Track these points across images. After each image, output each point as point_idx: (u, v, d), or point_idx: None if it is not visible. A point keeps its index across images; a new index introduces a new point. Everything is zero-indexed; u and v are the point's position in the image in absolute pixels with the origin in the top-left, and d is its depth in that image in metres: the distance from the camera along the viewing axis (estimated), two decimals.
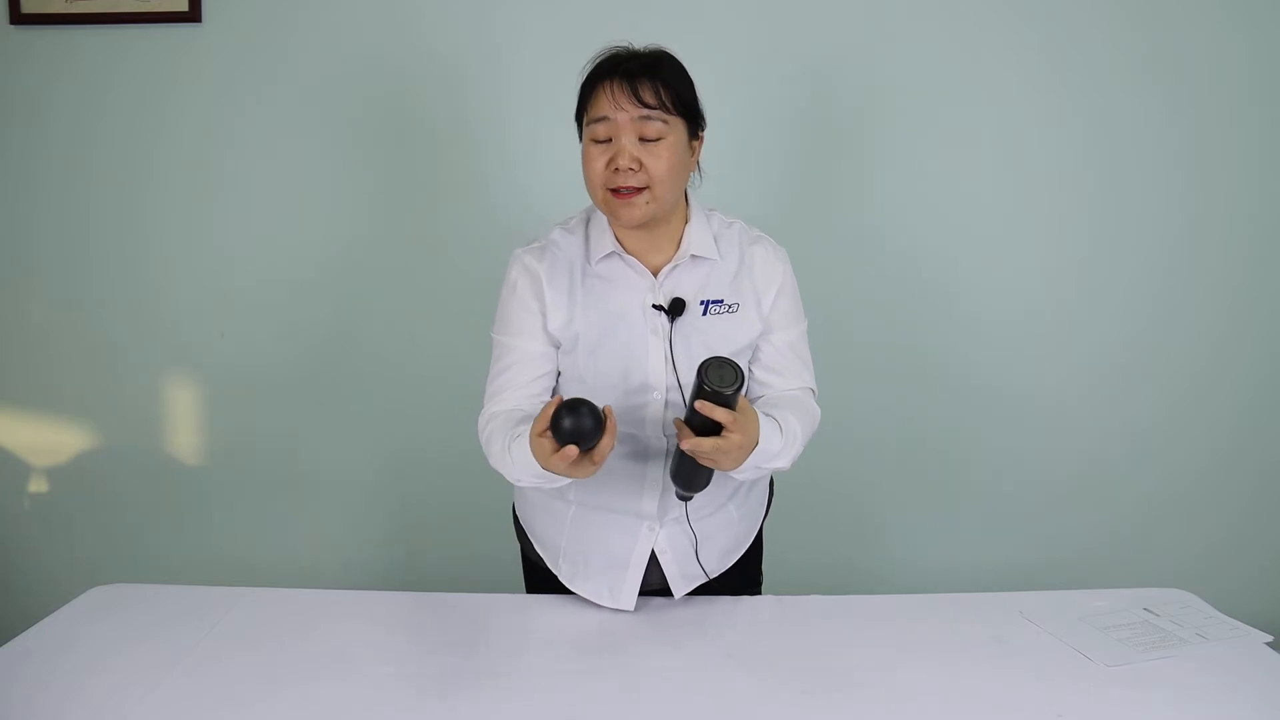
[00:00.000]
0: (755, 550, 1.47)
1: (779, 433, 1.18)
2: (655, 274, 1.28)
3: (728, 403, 1.09)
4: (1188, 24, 2.05)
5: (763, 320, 1.30)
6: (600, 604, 1.33)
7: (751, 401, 1.32)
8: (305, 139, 2.10)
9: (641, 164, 1.18)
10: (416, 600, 1.37)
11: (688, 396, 1.13)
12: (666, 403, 1.26)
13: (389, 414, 2.19)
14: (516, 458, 1.16)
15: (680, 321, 1.25)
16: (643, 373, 1.25)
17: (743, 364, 1.31)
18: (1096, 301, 2.15)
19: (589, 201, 1.29)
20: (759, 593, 1.50)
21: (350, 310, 2.15)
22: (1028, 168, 2.11)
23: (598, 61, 1.23)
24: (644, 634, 1.27)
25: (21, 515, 2.24)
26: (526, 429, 1.15)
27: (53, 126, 2.09)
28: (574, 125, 1.28)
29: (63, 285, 2.16)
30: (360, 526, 2.25)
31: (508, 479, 1.23)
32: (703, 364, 1.09)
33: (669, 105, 1.19)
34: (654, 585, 1.35)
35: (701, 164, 1.30)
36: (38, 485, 2.23)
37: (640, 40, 1.26)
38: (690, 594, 1.37)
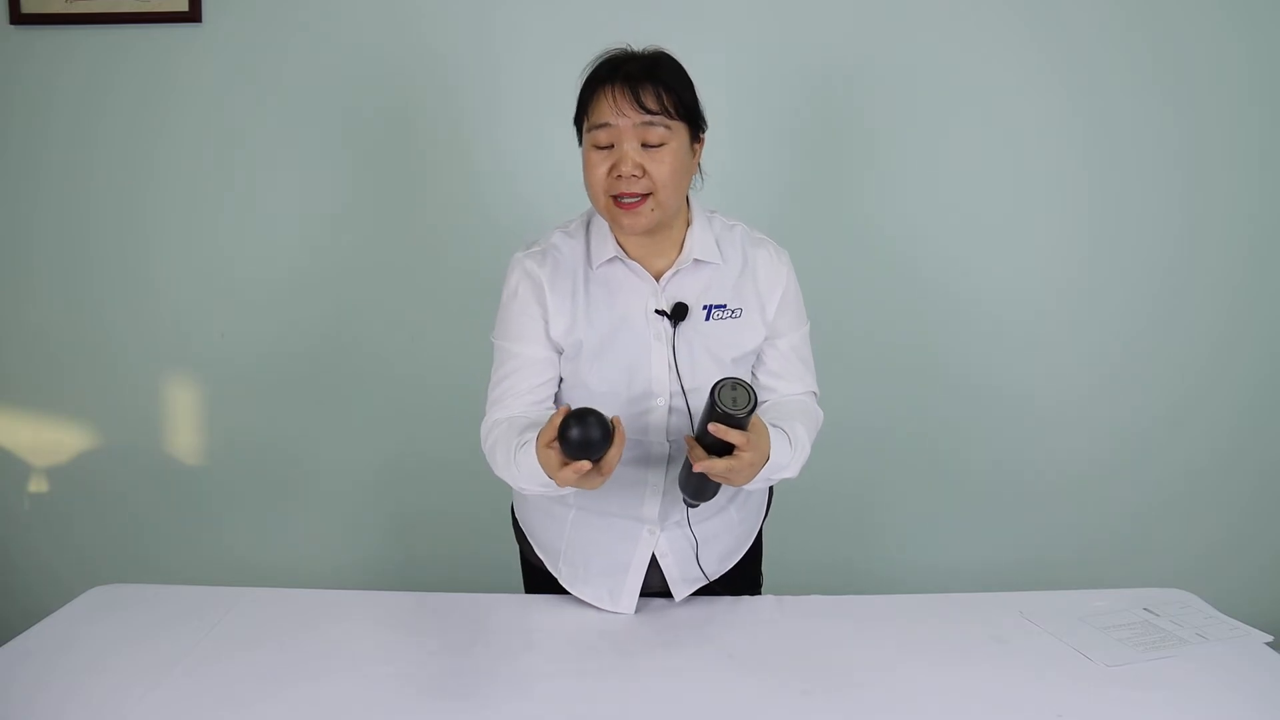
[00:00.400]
0: (755, 551, 1.46)
1: (788, 445, 1.18)
2: (657, 279, 1.27)
3: (740, 424, 1.08)
4: (1188, 24, 2.05)
5: (767, 326, 1.30)
6: (600, 607, 1.33)
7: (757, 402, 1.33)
8: (305, 139, 2.10)
9: (644, 170, 1.17)
10: (416, 600, 1.37)
11: (698, 416, 1.13)
12: (670, 408, 1.26)
13: (389, 414, 2.19)
14: (523, 466, 1.15)
15: (683, 327, 1.25)
16: (646, 379, 1.25)
17: (746, 369, 1.31)
18: (1097, 301, 2.15)
19: (589, 203, 1.28)
20: (759, 593, 1.50)
21: (350, 310, 2.15)
22: (1028, 168, 2.11)
23: (596, 65, 1.22)
24: (644, 634, 1.27)
25: (21, 515, 2.24)
26: (532, 436, 1.14)
27: (53, 126, 2.09)
28: (573, 126, 1.27)
29: (63, 285, 2.16)
30: (360, 527, 2.24)
31: (513, 487, 1.22)
32: (715, 385, 1.08)
33: (671, 110, 1.18)
34: (654, 588, 1.34)
35: (703, 166, 1.30)
36: (38, 485, 2.23)
37: (640, 41, 1.25)
38: (690, 594, 1.37)
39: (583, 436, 1.04)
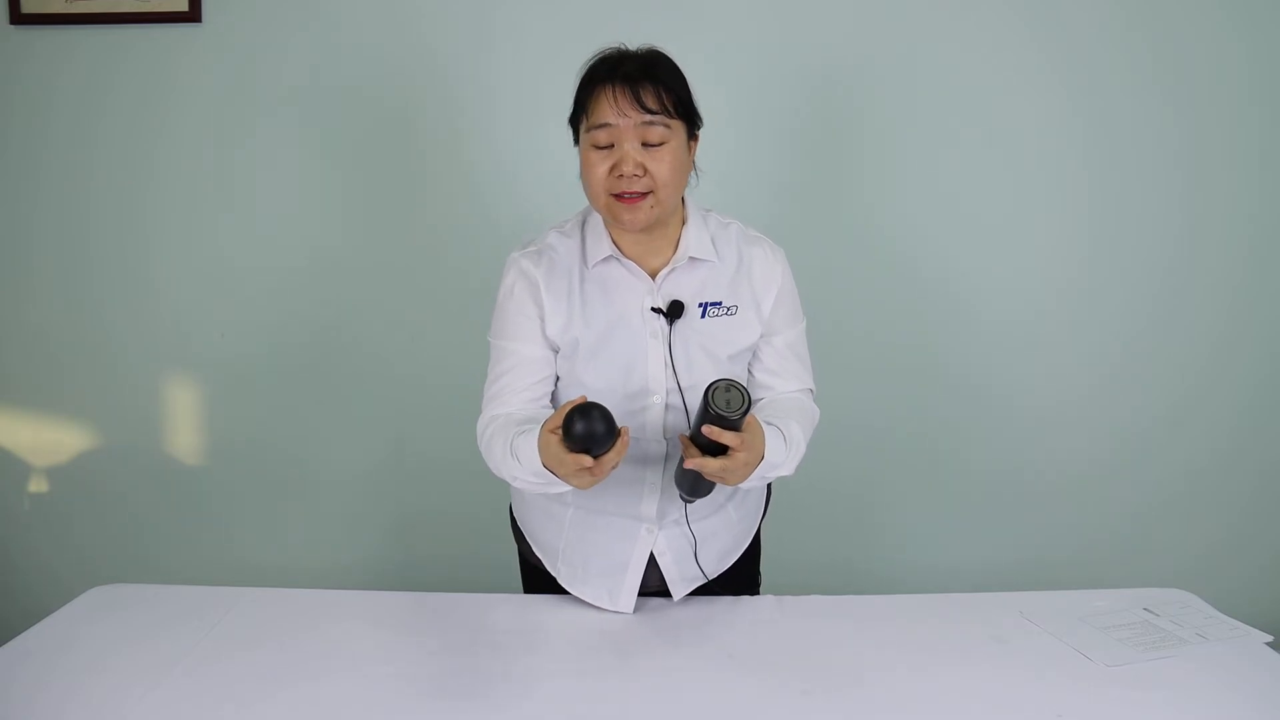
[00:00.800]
0: (753, 550, 1.47)
1: (783, 443, 1.18)
2: (653, 277, 1.27)
3: (734, 426, 1.08)
4: (1188, 24, 2.05)
5: (762, 323, 1.30)
6: (599, 606, 1.33)
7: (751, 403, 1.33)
8: (305, 139, 2.10)
9: (645, 169, 1.18)
10: (416, 600, 1.37)
11: (693, 417, 1.13)
12: (666, 406, 1.26)
13: (388, 414, 2.19)
14: (521, 456, 1.15)
15: (679, 324, 1.25)
16: (643, 377, 1.25)
17: (742, 366, 1.31)
18: (1096, 301, 2.15)
19: (585, 203, 1.28)
20: (757, 593, 1.50)
21: (350, 310, 2.15)
22: (1028, 167, 2.11)
23: (593, 64, 1.22)
24: (644, 634, 1.27)
25: (22, 515, 2.24)
26: (532, 428, 1.15)
27: (53, 126, 2.09)
28: (568, 125, 1.27)
29: (63, 285, 2.16)
30: (360, 527, 2.24)
31: (508, 480, 1.23)
32: (709, 388, 1.09)
33: (671, 109, 1.19)
34: (653, 587, 1.35)
35: (698, 163, 1.30)
36: (38, 485, 2.23)
37: (639, 40, 1.26)
38: (689, 594, 1.37)
39: (586, 430, 1.05)
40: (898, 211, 2.12)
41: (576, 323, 1.26)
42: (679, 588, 1.35)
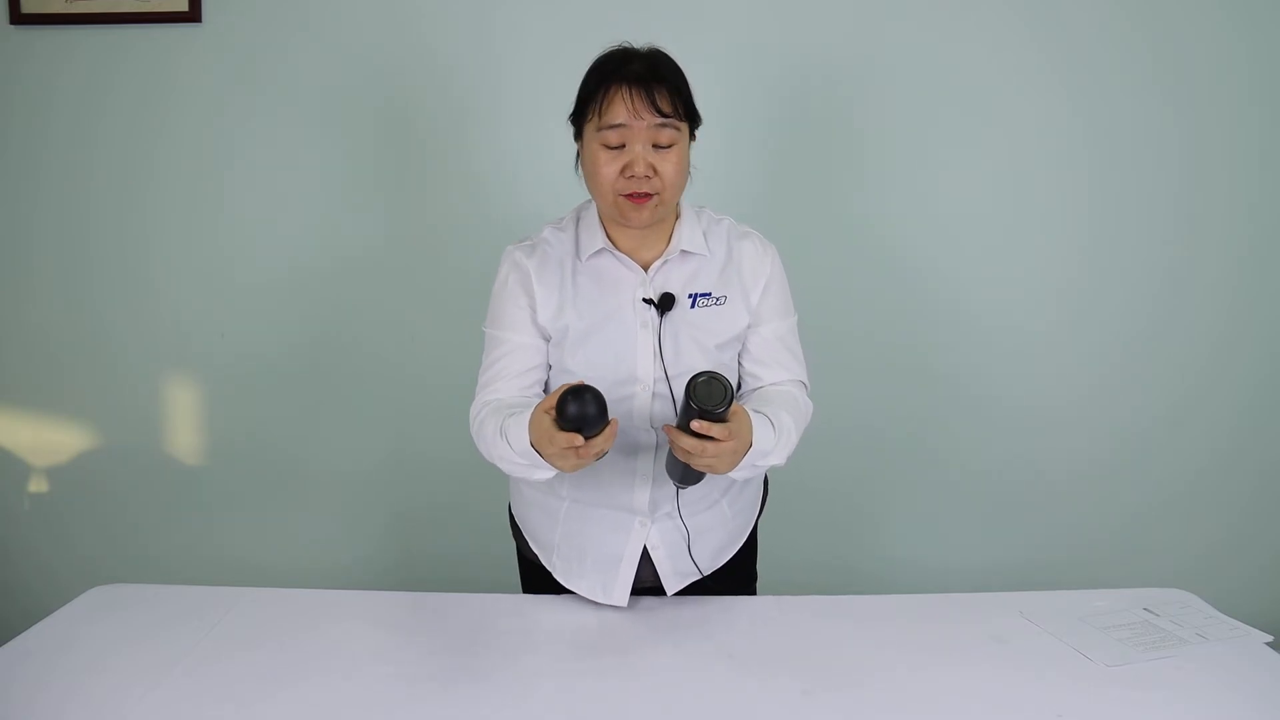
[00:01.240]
0: (750, 548, 1.47)
1: (771, 430, 1.18)
2: (645, 269, 1.29)
3: (718, 418, 1.09)
4: (1188, 24, 2.05)
5: (750, 313, 1.31)
6: (594, 600, 1.34)
7: (743, 396, 1.34)
8: (305, 139, 2.10)
9: (654, 169, 1.20)
10: (416, 600, 1.37)
11: (678, 408, 1.14)
12: (654, 394, 1.27)
13: (389, 414, 2.19)
14: (510, 436, 1.16)
15: (669, 315, 1.27)
16: (630, 365, 1.27)
17: (730, 355, 1.32)
18: (1096, 301, 2.16)
19: (582, 200, 1.30)
20: (754, 591, 1.50)
21: (350, 310, 2.16)
22: (1027, 167, 2.11)
23: (602, 62, 1.23)
24: (644, 634, 1.28)
25: (22, 515, 2.24)
26: (523, 410, 1.16)
27: (53, 126, 2.09)
28: (569, 122, 1.28)
29: (63, 285, 2.16)
30: (360, 526, 2.25)
31: (497, 464, 1.22)
32: (691, 381, 1.10)
33: (681, 112, 1.21)
34: (647, 582, 1.35)
35: (694, 161, 1.30)
36: (38, 485, 2.23)
37: (638, 40, 1.26)
38: (688, 594, 1.37)
39: (579, 410, 1.05)
40: (897, 211, 2.12)
41: (568, 311, 1.28)
42: (672, 582, 1.35)
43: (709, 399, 1.08)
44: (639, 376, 1.26)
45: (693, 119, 1.25)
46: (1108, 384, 2.18)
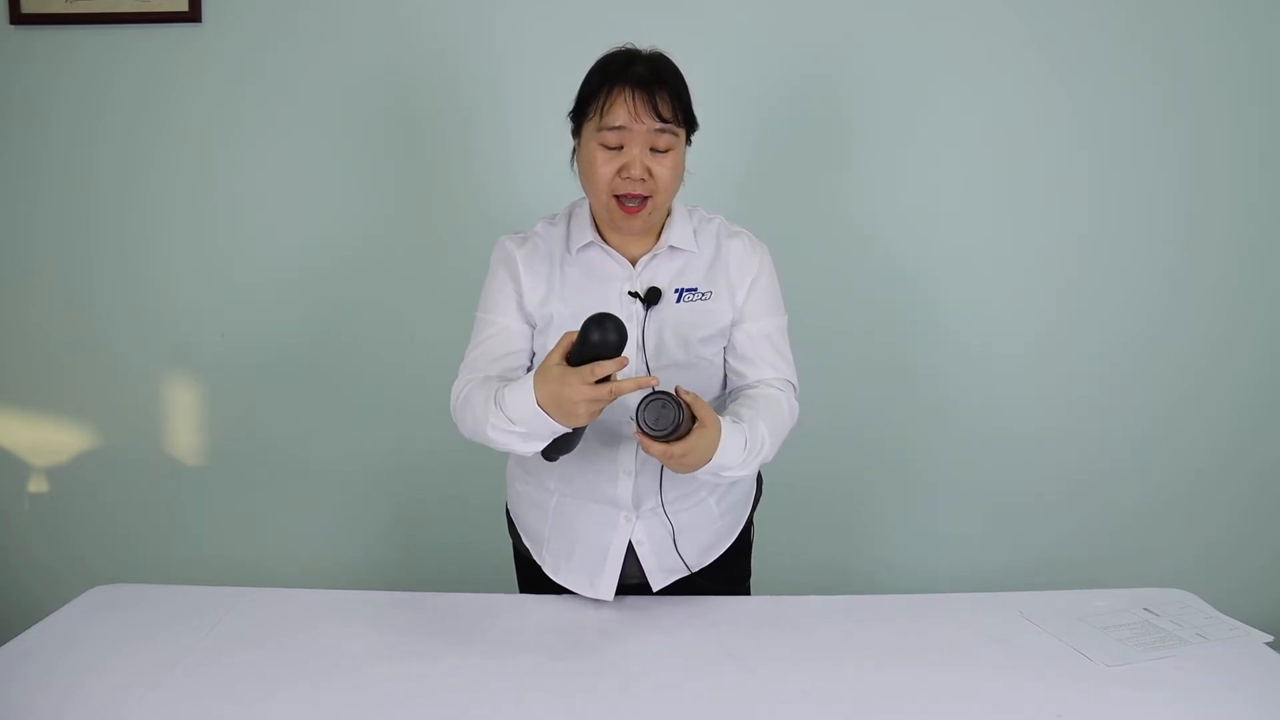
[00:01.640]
0: (743, 546, 1.47)
1: (743, 445, 1.18)
2: (634, 263, 1.30)
3: (665, 440, 1.10)
4: (1188, 24, 2.05)
5: (735, 309, 1.32)
6: (580, 593, 1.35)
7: (729, 392, 1.35)
8: (305, 139, 2.10)
9: (650, 172, 1.22)
10: (416, 600, 1.37)
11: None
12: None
13: (389, 414, 2.19)
14: (508, 404, 1.14)
15: (655, 310, 1.28)
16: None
17: (714, 351, 1.32)
18: (1096, 301, 2.16)
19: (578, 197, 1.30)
20: (748, 590, 1.50)
21: (350, 310, 2.16)
22: (1026, 167, 2.11)
23: (606, 64, 1.24)
24: (643, 633, 1.28)
25: (22, 515, 2.24)
26: (519, 377, 1.17)
27: (53, 126, 2.09)
28: (568, 119, 1.29)
29: (63, 285, 2.16)
30: (360, 526, 2.25)
31: (482, 437, 1.21)
32: (641, 403, 1.09)
33: (680, 118, 1.23)
34: (634, 578, 1.36)
35: (688, 163, 1.31)
36: (38, 485, 2.23)
37: (638, 40, 1.26)
38: (679, 591, 1.37)
39: (602, 338, 1.06)
40: (896, 212, 2.12)
41: (554, 300, 1.30)
42: (658, 578, 1.36)
43: (656, 424, 1.09)
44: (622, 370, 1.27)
45: (690, 124, 1.26)
46: (1107, 384, 2.18)
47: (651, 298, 1.28)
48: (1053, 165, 2.10)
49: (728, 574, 1.44)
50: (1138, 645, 1.23)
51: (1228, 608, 1.34)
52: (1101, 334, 2.17)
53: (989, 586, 1.49)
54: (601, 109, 1.21)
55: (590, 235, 1.30)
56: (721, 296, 1.31)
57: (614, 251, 1.30)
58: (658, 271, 1.31)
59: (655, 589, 1.36)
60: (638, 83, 1.20)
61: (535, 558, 1.41)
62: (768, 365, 1.33)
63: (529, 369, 1.34)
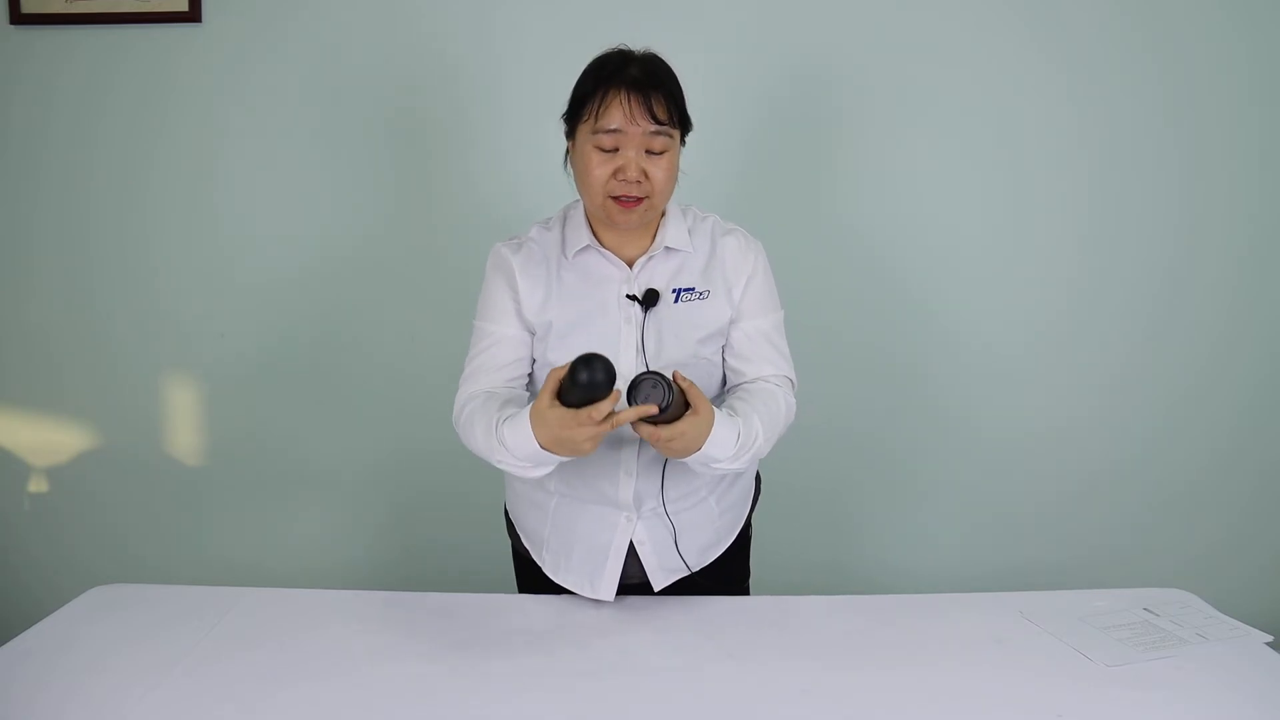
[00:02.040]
0: (742, 545, 1.47)
1: (735, 438, 1.18)
2: (630, 265, 1.30)
3: (663, 414, 1.11)
4: (1188, 24, 2.05)
5: (733, 307, 1.32)
6: (580, 594, 1.35)
7: (728, 390, 1.35)
8: (305, 139, 2.10)
9: (645, 174, 1.22)
10: (416, 600, 1.37)
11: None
12: None
13: (389, 414, 2.19)
14: (510, 442, 1.16)
15: (653, 311, 1.29)
16: (613, 360, 1.26)
17: (713, 350, 1.33)
18: (1095, 302, 2.15)
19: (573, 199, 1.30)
20: (747, 589, 1.50)
21: (350, 311, 2.16)
22: (1026, 167, 2.11)
23: (600, 66, 1.24)
24: (643, 633, 1.28)
25: (21, 515, 2.24)
26: (516, 411, 1.18)
27: (53, 126, 2.09)
28: (562, 120, 1.29)
29: (63, 285, 2.16)
30: (360, 527, 2.25)
31: (489, 461, 1.23)
32: (632, 382, 1.11)
33: (675, 119, 1.23)
34: (635, 578, 1.36)
35: (682, 164, 1.31)
36: (38, 485, 2.23)
37: (637, 40, 1.26)
38: (678, 591, 1.37)
39: (590, 378, 1.06)
40: (896, 213, 2.12)
41: (552, 306, 1.30)
42: (659, 578, 1.36)
43: (643, 402, 1.10)
44: (621, 371, 1.27)
45: (685, 125, 1.26)
46: (1107, 384, 2.18)
47: (649, 300, 1.28)
48: (1053, 165, 2.10)
49: (727, 573, 1.44)
50: (1138, 645, 1.23)
51: (1228, 608, 1.34)
52: (1101, 334, 2.17)
53: (989, 586, 1.49)
54: (596, 111, 1.21)
55: (586, 239, 1.30)
56: (719, 295, 1.31)
57: (610, 254, 1.30)
58: (654, 273, 1.31)
59: (656, 589, 1.36)
60: (632, 85, 1.20)
61: (535, 558, 1.41)
62: (766, 362, 1.33)
63: (530, 377, 1.35)
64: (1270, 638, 1.25)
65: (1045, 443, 2.20)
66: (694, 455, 1.16)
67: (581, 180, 1.26)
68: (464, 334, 1.37)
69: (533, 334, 1.32)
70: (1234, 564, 2.21)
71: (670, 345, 1.28)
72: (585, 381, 1.06)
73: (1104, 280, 2.15)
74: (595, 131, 1.21)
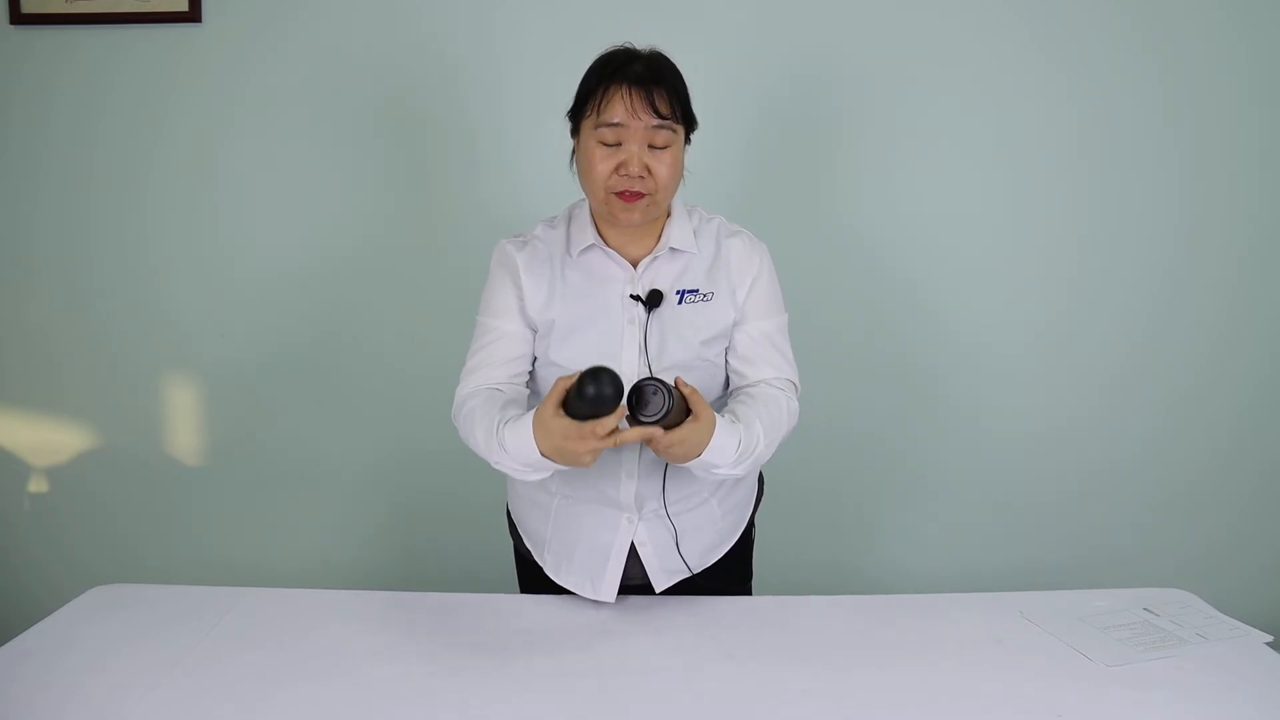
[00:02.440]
0: (744, 547, 1.47)
1: (735, 445, 1.18)
2: (635, 265, 1.30)
3: (657, 423, 1.10)
4: (1188, 24, 2.05)
5: (736, 309, 1.32)
6: (582, 595, 1.35)
7: (730, 392, 1.35)
8: (305, 139, 2.10)
9: (648, 170, 1.22)
10: (416, 600, 1.37)
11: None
12: None
13: (389, 414, 2.19)
14: (511, 447, 1.16)
15: (657, 311, 1.28)
16: (615, 360, 1.27)
17: (716, 351, 1.32)
18: (1096, 302, 2.15)
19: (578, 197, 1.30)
20: (749, 590, 1.50)
21: (350, 311, 2.16)
22: (1027, 167, 2.11)
23: (604, 62, 1.24)
24: (643, 634, 1.28)
25: (21, 515, 2.24)
26: (518, 413, 1.18)
27: (53, 126, 2.09)
28: (566, 118, 1.29)
29: (63, 285, 2.16)
30: (360, 527, 2.25)
31: (487, 460, 1.23)
32: (633, 389, 1.10)
33: (679, 114, 1.23)
34: (636, 580, 1.36)
35: (687, 163, 1.31)
36: (38, 485, 2.23)
37: (637, 39, 1.27)
38: (680, 592, 1.37)
39: (598, 393, 1.06)
40: (897, 212, 2.12)
41: (556, 304, 1.30)
42: (660, 579, 1.36)
43: (646, 410, 1.10)
44: (623, 371, 1.27)
45: (689, 122, 1.26)
46: (1107, 384, 2.18)
47: (653, 300, 1.28)
48: (1053, 165, 2.10)
49: (729, 574, 1.44)
50: (1138, 645, 1.23)
51: (1228, 608, 1.34)
52: (1101, 334, 2.17)
53: (989, 586, 1.49)
54: (599, 106, 1.21)
55: (591, 238, 1.30)
56: (723, 297, 1.31)
57: (615, 254, 1.30)
58: (659, 273, 1.31)
59: (658, 590, 1.36)
60: (635, 80, 1.20)
61: (536, 559, 1.41)
62: (769, 365, 1.33)
63: (530, 374, 1.35)
64: (1270, 638, 1.26)
65: (1045, 443, 2.20)
66: (694, 461, 1.16)
67: (585, 175, 1.26)
68: (464, 334, 1.37)
69: (535, 332, 1.32)
70: (1234, 564, 2.21)
71: (673, 346, 1.28)
72: (592, 395, 1.06)
73: (1104, 280, 2.15)
74: (598, 126, 1.21)
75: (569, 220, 1.35)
